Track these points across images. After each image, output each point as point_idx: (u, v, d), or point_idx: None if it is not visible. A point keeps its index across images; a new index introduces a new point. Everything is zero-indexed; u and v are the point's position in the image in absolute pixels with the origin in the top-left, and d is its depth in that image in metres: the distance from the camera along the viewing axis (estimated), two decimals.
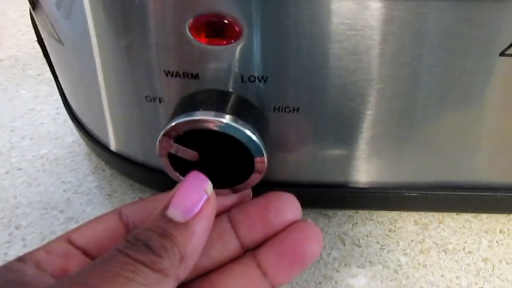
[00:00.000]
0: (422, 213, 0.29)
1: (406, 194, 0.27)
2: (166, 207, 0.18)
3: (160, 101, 0.22)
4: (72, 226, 0.27)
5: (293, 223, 0.20)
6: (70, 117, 0.31)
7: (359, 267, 0.26)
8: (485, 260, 0.26)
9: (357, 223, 0.28)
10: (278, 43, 0.18)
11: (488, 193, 0.27)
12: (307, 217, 0.29)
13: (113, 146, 0.28)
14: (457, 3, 0.17)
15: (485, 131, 0.23)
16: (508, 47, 0.18)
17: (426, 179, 0.26)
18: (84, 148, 0.34)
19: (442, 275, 0.26)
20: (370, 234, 0.28)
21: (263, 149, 0.20)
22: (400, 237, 0.28)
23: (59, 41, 0.23)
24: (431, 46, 0.18)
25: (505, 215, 0.29)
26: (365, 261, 0.26)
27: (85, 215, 0.29)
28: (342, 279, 0.25)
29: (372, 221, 0.29)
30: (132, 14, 0.20)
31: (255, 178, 0.21)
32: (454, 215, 0.29)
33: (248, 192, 0.23)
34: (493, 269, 0.26)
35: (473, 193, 0.27)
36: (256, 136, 0.20)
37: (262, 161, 0.20)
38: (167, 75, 0.20)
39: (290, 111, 0.21)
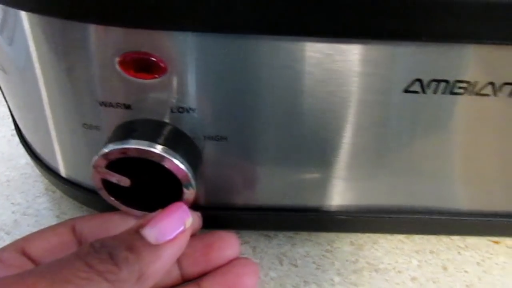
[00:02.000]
0: (359, 234, 0.31)
1: (341, 217, 0.28)
2: (142, 225, 0.19)
3: (97, 129, 0.23)
4: None
5: (234, 259, 0.24)
6: (21, 140, 0.31)
7: (294, 286, 0.27)
8: (413, 279, 0.28)
9: (296, 244, 0.30)
10: (201, 77, 0.20)
11: (419, 216, 0.29)
12: (248, 238, 0.30)
13: (62, 171, 0.29)
14: (364, 46, 0.19)
15: (410, 160, 0.25)
16: (411, 85, 0.20)
17: (361, 203, 0.28)
18: (36, 170, 0.34)
19: None
20: (307, 254, 0.29)
21: (191, 178, 0.21)
22: (335, 258, 0.29)
23: (3, 70, 0.24)
24: (341, 83, 0.20)
25: (435, 236, 0.31)
26: (300, 281, 0.27)
27: None
28: None
29: (311, 241, 0.30)
30: (71, 47, 0.21)
31: (186, 203, 0.22)
32: (388, 236, 0.31)
33: (199, 222, 0.25)
34: (420, 287, 0.27)
35: (405, 216, 0.29)
36: (185, 165, 0.21)
37: (190, 188, 0.22)
38: (101, 105, 0.21)
39: (219, 139, 0.22)
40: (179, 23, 0.18)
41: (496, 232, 0.31)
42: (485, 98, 0.20)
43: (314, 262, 0.29)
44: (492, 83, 0.20)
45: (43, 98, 0.24)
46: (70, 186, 0.29)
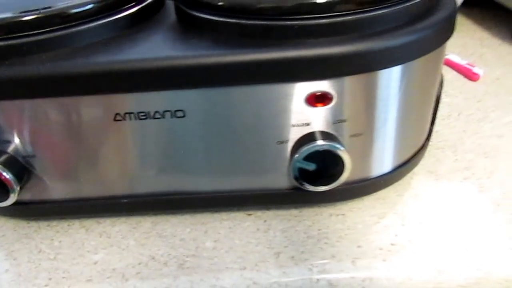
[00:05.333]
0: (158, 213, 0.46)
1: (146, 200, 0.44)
2: None
3: None
4: None
5: None
6: None
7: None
8: (182, 239, 0.43)
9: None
10: (15, 124, 0.38)
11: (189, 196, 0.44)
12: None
13: None
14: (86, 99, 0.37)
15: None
16: (115, 116, 0.37)
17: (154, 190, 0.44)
18: None
19: (153, 249, 0.43)
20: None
21: (14, 185, 0.39)
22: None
23: None
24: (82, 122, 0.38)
25: (210, 213, 0.46)
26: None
27: None
28: None
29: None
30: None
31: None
32: (178, 215, 0.46)
33: None
34: (197, 249, 0.43)
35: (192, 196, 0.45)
36: (9, 175, 0.39)
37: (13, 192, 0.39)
38: None
39: (32, 156, 0.40)
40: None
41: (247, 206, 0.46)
42: (158, 120, 0.37)
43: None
44: (157, 111, 0.37)
45: None
46: None
